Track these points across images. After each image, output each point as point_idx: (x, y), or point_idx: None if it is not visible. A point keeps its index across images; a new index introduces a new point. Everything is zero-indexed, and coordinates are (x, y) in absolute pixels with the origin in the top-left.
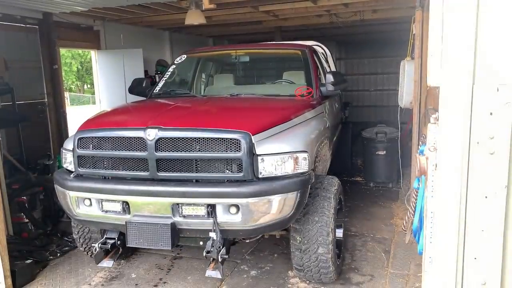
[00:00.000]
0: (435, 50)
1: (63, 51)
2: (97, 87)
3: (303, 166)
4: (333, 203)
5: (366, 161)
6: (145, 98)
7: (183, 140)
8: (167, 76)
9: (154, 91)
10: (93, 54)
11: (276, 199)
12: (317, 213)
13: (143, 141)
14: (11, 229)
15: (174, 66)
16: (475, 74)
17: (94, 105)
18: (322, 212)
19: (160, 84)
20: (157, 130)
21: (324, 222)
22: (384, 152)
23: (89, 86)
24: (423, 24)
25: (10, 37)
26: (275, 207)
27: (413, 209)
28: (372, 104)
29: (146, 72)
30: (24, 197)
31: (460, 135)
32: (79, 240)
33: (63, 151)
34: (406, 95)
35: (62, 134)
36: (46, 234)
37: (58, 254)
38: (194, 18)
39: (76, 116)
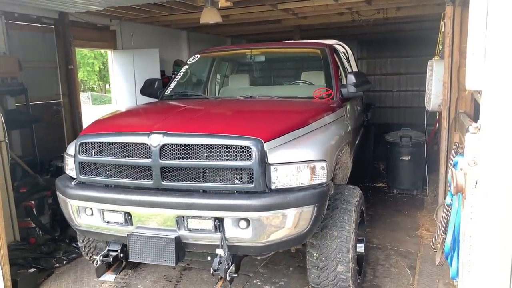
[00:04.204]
0: (476, 48)
1: (85, 51)
2: (114, 87)
3: (321, 176)
4: (354, 216)
5: (389, 166)
6: (156, 100)
7: (189, 147)
8: (179, 77)
9: (166, 93)
10: (109, 54)
11: (290, 213)
12: (336, 227)
13: (147, 148)
14: (18, 234)
15: (186, 66)
16: None
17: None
18: (342, 226)
19: (172, 85)
20: (162, 135)
21: (344, 238)
22: (409, 157)
23: (110, 85)
24: (454, 20)
25: (26, 37)
26: (289, 222)
27: (444, 226)
28: (394, 105)
29: (163, 72)
30: (32, 201)
31: (507, 147)
32: (84, 249)
33: (65, 156)
34: (434, 97)
35: (77, 135)
36: (54, 240)
37: (65, 262)
38: (209, 16)
39: (96, 115)
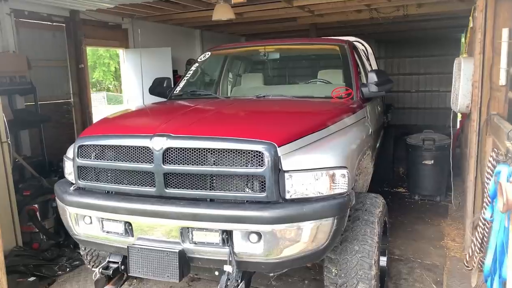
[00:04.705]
0: None
1: (101, 51)
2: (125, 86)
3: (342, 185)
4: (377, 228)
5: (410, 171)
6: (165, 100)
7: (195, 151)
8: (189, 75)
9: (174, 92)
10: (121, 53)
11: (307, 226)
12: (358, 241)
13: (149, 151)
14: (20, 239)
15: (197, 64)
16: None
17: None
18: (363, 240)
19: (181, 84)
20: (165, 138)
21: (366, 253)
22: (432, 161)
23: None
24: (487, 14)
25: (36, 36)
26: (305, 236)
27: (480, 243)
28: (413, 106)
29: (175, 71)
30: (36, 205)
31: None
32: (86, 257)
33: (65, 159)
34: (462, 97)
35: None
36: (58, 245)
37: (68, 269)
38: (222, 13)
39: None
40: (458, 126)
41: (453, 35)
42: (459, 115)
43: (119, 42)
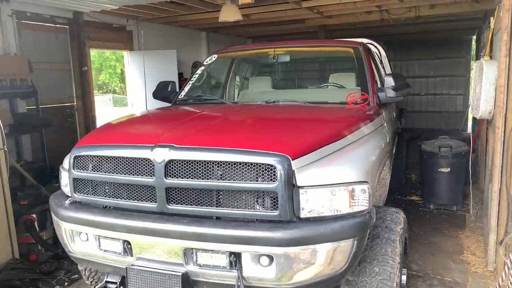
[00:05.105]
0: None
1: (107, 53)
2: (129, 89)
3: (362, 201)
4: (399, 247)
5: (425, 179)
6: (169, 105)
7: (200, 164)
8: (195, 79)
9: (179, 97)
10: (125, 55)
11: (323, 248)
12: (378, 262)
13: (150, 163)
14: (17, 251)
15: (203, 67)
16: None
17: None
18: (384, 260)
19: (186, 89)
20: (168, 149)
21: (387, 275)
22: (448, 169)
23: (126, 88)
24: None
25: (39, 38)
26: (322, 260)
27: None
28: (422, 109)
29: (181, 74)
30: (34, 215)
31: None
32: (85, 273)
33: (61, 170)
34: (484, 103)
35: None
36: (57, 256)
37: (66, 284)
38: (229, 14)
39: (116, 117)
40: (469, 130)
41: (464, 37)
42: (470, 118)
43: (124, 44)
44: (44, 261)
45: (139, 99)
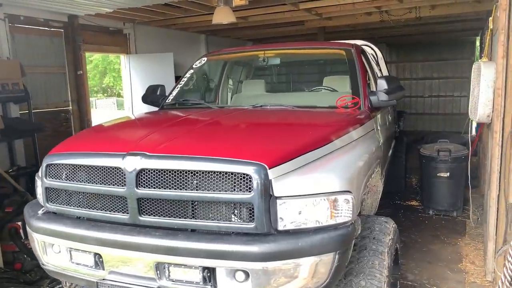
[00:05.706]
0: None
1: (111, 57)
2: (126, 93)
3: (345, 212)
4: (387, 260)
5: (424, 183)
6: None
7: (174, 173)
8: (183, 82)
9: (167, 101)
10: (122, 58)
11: (304, 264)
12: (365, 275)
13: (121, 172)
14: (1, 259)
15: (191, 71)
16: None
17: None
18: (371, 274)
19: (174, 93)
20: (139, 157)
21: None
22: (448, 173)
23: (123, 91)
24: (511, 12)
25: (33, 41)
26: (302, 275)
27: (510, 275)
28: (425, 111)
29: (179, 77)
30: (19, 222)
31: None
32: (66, 284)
33: (36, 178)
34: (482, 106)
35: None
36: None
37: None
38: (223, 16)
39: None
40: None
41: (467, 38)
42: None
43: (120, 48)
44: (29, 270)
45: (136, 103)
